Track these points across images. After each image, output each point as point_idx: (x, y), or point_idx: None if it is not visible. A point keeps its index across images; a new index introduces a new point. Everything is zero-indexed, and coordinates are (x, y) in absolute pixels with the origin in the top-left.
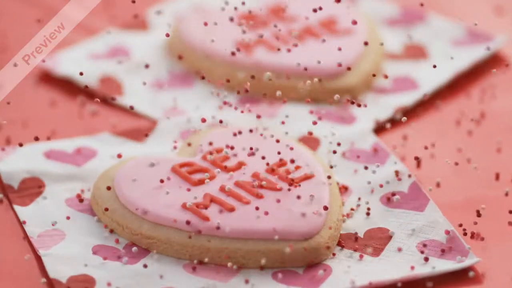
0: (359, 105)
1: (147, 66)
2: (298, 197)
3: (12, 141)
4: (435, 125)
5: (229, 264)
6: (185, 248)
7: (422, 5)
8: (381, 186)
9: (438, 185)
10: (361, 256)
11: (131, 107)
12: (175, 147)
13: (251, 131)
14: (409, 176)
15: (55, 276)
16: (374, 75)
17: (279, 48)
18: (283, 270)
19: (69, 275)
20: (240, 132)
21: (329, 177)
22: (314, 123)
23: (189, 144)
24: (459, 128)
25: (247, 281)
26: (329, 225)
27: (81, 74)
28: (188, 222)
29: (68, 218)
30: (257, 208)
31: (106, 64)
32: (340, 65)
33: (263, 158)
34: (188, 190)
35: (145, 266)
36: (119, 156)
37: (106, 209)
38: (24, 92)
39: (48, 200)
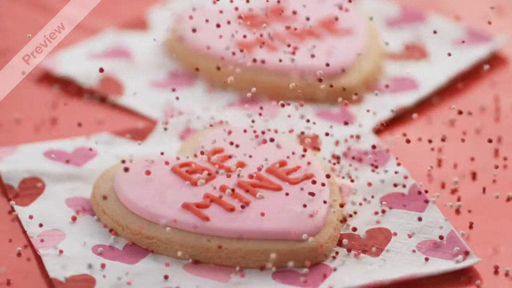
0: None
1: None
2: (298, 196)
3: (12, 141)
4: (435, 125)
5: (229, 264)
6: (185, 248)
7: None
8: (381, 187)
9: (442, 186)
10: (358, 254)
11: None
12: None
13: (244, 132)
14: (408, 177)
15: (55, 276)
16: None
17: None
18: (283, 270)
19: (69, 275)
20: (239, 131)
21: (328, 176)
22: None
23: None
24: (459, 128)
25: (247, 281)
26: (330, 225)
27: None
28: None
29: (74, 218)
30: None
31: (106, 64)
32: (344, 70)
33: (265, 158)
34: (189, 188)
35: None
36: (147, 171)
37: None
38: (24, 92)
39: (48, 200)
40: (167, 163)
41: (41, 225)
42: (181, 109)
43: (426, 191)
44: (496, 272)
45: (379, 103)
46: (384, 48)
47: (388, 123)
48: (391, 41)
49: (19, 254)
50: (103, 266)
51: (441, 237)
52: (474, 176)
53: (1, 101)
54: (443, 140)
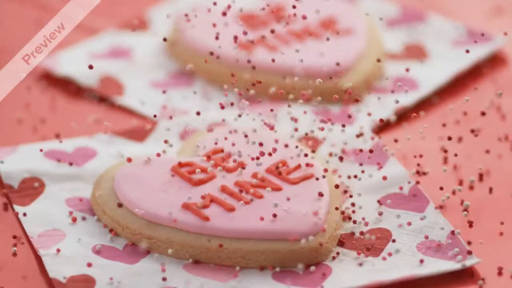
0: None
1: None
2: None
3: (12, 141)
4: (435, 125)
5: (229, 264)
6: (185, 248)
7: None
8: (381, 187)
9: (440, 188)
10: (359, 254)
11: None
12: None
13: (245, 134)
14: (409, 180)
15: (55, 276)
16: (379, 60)
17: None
18: (283, 270)
19: (69, 275)
20: (237, 131)
21: (325, 171)
22: (323, 122)
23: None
24: (459, 128)
25: (247, 281)
26: (330, 225)
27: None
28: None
29: (74, 219)
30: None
31: (106, 64)
32: (338, 64)
33: (263, 155)
34: (190, 188)
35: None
36: (129, 160)
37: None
38: (24, 92)
39: (48, 200)
40: (158, 155)
41: (41, 225)
42: (181, 109)
43: (442, 188)
44: (499, 273)
45: (379, 103)
46: (384, 48)
47: (389, 122)
48: (391, 41)
49: (14, 254)
50: (103, 266)
51: (441, 237)
52: (481, 177)
53: (1, 101)
54: (450, 138)
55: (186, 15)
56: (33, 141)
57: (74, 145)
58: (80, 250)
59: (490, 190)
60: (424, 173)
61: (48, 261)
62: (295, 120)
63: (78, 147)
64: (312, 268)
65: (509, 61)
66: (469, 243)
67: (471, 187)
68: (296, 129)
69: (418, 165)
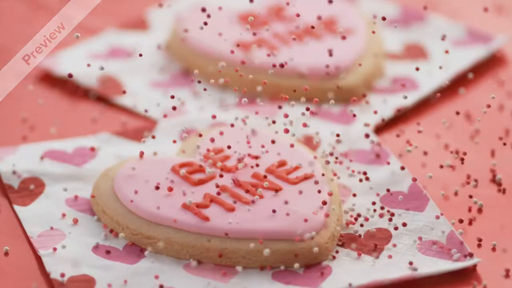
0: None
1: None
2: (299, 194)
3: (12, 141)
4: (435, 124)
5: (229, 264)
6: (185, 248)
7: (425, 8)
8: (381, 187)
9: (443, 185)
10: (359, 254)
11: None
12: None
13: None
14: (412, 179)
15: (55, 276)
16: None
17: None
18: (283, 270)
19: (69, 275)
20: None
21: (323, 173)
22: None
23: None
24: (458, 127)
25: (247, 281)
26: (330, 225)
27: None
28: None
29: (74, 220)
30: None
31: (106, 64)
32: (331, 66)
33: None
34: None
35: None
36: (92, 149)
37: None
38: (24, 92)
39: (48, 200)
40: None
41: (41, 225)
42: (181, 109)
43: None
44: (507, 275)
45: (379, 103)
46: (384, 48)
47: (389, 123)
48: (391, 41)
49: (6, 254)
50: (103, 266)
51: (440, 237)
52: (472, 175)
53: (1, 101)
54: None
55: (186, 30)
56: (33, 141)
57: (74, 145)
58: (80, 250)
59: (503, 190)
60: (425, 172)
61: (48, 261)
62: (294, 120)
63: (78, 147)
64: (313, 267)
65: (509, 61)
66: (469, 243)
67: (475, 187)
68: (295, 129)
69: (420, 164)
